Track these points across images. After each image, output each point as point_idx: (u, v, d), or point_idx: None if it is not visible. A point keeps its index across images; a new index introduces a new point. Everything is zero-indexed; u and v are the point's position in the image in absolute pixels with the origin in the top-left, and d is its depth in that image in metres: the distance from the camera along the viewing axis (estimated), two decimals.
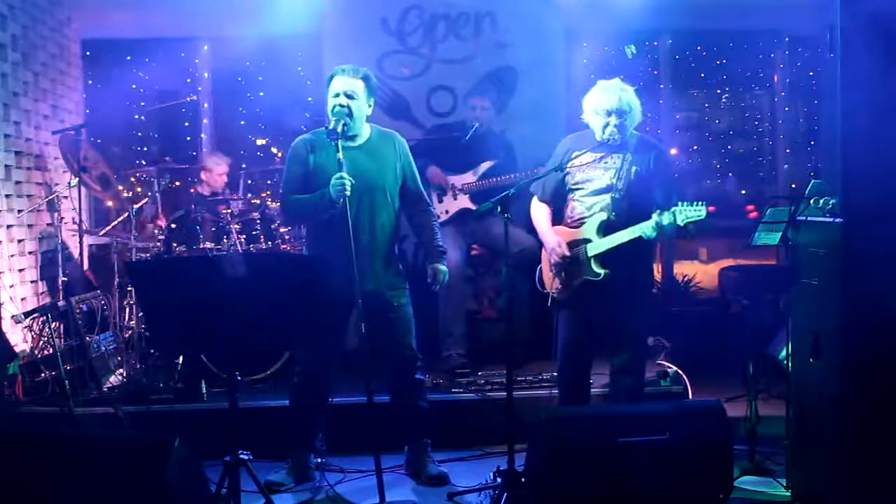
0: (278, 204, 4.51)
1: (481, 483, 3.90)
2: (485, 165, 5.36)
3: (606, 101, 3.91)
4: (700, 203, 3.78)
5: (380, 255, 4.02)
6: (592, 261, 3.93)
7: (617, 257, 3.90)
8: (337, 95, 3.93)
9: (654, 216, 3.80)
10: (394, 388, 4.20)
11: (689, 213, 3.77)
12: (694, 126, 8.83)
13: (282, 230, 5.39)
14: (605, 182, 3.96)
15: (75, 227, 5.39)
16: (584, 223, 3.98)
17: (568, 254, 3.96)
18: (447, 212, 5.33)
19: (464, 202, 5.34)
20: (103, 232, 5.70)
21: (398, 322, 4.07)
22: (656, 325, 5.47)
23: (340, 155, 3.79)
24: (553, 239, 4.02)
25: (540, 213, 4.15)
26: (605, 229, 3.93)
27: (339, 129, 3.83)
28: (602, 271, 3.91)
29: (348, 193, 3.74)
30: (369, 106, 4.01)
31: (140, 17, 6.62)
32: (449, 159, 5.40)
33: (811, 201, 3.56)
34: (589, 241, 3.95)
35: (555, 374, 4.38)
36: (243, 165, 7.63)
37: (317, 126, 4.35)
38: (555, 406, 4.17)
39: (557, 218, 4.14)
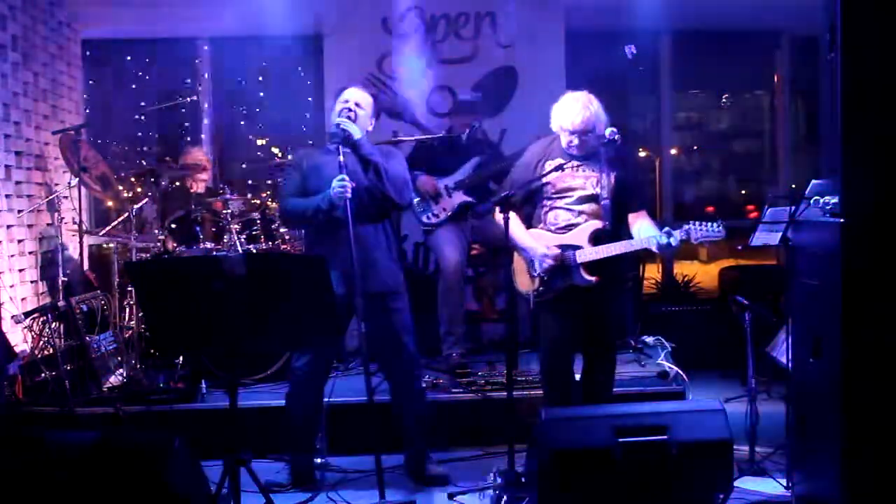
0: (278, 206, 4.54)
1: (481, 483, 3.91)
2: (474, 161, 5.40)
3: (570, 121, 3.90)
4: (717, 223, 3.76)
5: (380, 256, 4.03)
6: (581, 267, 3.91)
7: (603, 263, 3.90)
8: (346, 102, 4.03)
9: (660, 235, 3.80)
10: (394, 397, 4.19)
11: (704, 232, 3.76)
12: (694, 126, 8.82)
13: (282, 230, 5.40)
14: (590, 190, 3.95)
15: (75, 227, 5.39)
16: (572, 230, 3.96)
17: (559, 254, 3.91)
18: (445, 209, 5.34)
19: (459, 197, 5.35)
20: (103, 232, 5.69)
21: (397, 324, 4.08)
22: (633, 327, 5.52)
23: (342, 158, 3.84)
24: (540, 244, 3.95)
25: (513, 219, 4.00)
26: (597, 237, 3.92)
27: (342, 133, 3.90)
28: (592, 278, 3.90)
29: (349, 196, 3.77)
30: (371, 123, 4.11)
31: (140, 17, 6.62)
32: (442, 162, 5.43)
33: (811, 201, 3.56)
34: (578, 247, 3.92)
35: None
36: (243, 165, 7.66)
37: (316, 128, 4.39)
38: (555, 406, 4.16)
39: (527, 223, 4.08)
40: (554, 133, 4.03)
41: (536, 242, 3.97)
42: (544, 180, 3.96)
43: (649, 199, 3.97)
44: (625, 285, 4.27)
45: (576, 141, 3.92)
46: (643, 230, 3.92)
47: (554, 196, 4.00)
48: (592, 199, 3.96)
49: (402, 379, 4.14)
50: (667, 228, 3.86)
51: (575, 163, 3.97)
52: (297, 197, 4.05)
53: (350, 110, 3.99)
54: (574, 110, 3.89)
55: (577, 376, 4.19)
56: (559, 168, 3.91)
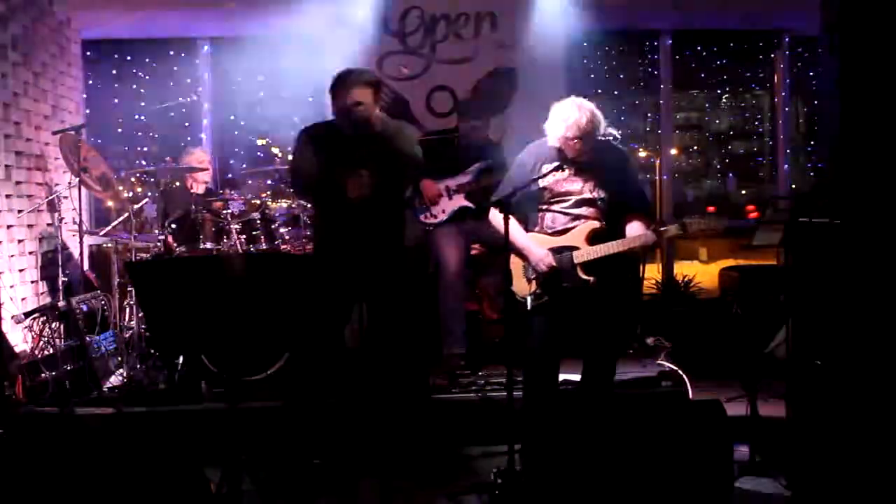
0: (289, 171, 4.56)
1: (481, 483, 3.91)
2: (478, 166, 5.38)
3: (567, 126, 3.88)
4: (713, 215, 3.79)
5: (386, 252, 4.04)
6: (579, 268, 3.91)
7: (603, 263, 3.90)
8: (351, 105, 4.00)
9: (656, 228, 3.83)
10: (395, 398, 4.18)
11: (701, 225, 3.79)
12: (694, 126, 8.83)
13: (281, 230, 5.40)
14: (587, 193, 3.96)
15: (75, 227, 5.38)
16: (568, 231, 3.96)
17: (555, 264, 3.92)
18: (444, 211, 5.33)
19: (460, 201, 5.34)
20: (103, 232, 5.69)
21: (398, 323, 4.08)
22: (635, 327, 5.51)
23: (353, 151, 3.87)
24: (539, 250, 3.95)
25: (511, 223, 3.98)
26: (595, 237, 3.92)
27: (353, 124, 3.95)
28: (590, 278, 3.90)
29: (366, 192, 3.80)
30: (376, 107, 4.11)
31: (140, 17, 6.62)
32: (444, 163, 5.42)
33: (812, 201, 3.57)
34: (575, 248, 3.92)
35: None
36: (243, 165, 7.66)
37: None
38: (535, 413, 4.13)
39: (523, 226, 4.07)
40: (550, 136, 4.02)
41: (535, 246, 3.98)
42: (542, 183, 3.95)
43: (648, 202, 3.95)
44: (625, 291, 4.24)
45: (573, 145, 3.92)
46: (638, 229, 3.93)
47: (551, 200, 4.00)
48: (590, 202, 3.97)
49: (404, 379, 4.14)
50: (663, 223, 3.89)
51: (573, 167, 3.97)
52: (309, 162, 4.07)
53: (358, 111, 3.98)
54: (571, 115, 3.89)
55: (576, 377, 4.19)
56: (559, 168, 3.91)
